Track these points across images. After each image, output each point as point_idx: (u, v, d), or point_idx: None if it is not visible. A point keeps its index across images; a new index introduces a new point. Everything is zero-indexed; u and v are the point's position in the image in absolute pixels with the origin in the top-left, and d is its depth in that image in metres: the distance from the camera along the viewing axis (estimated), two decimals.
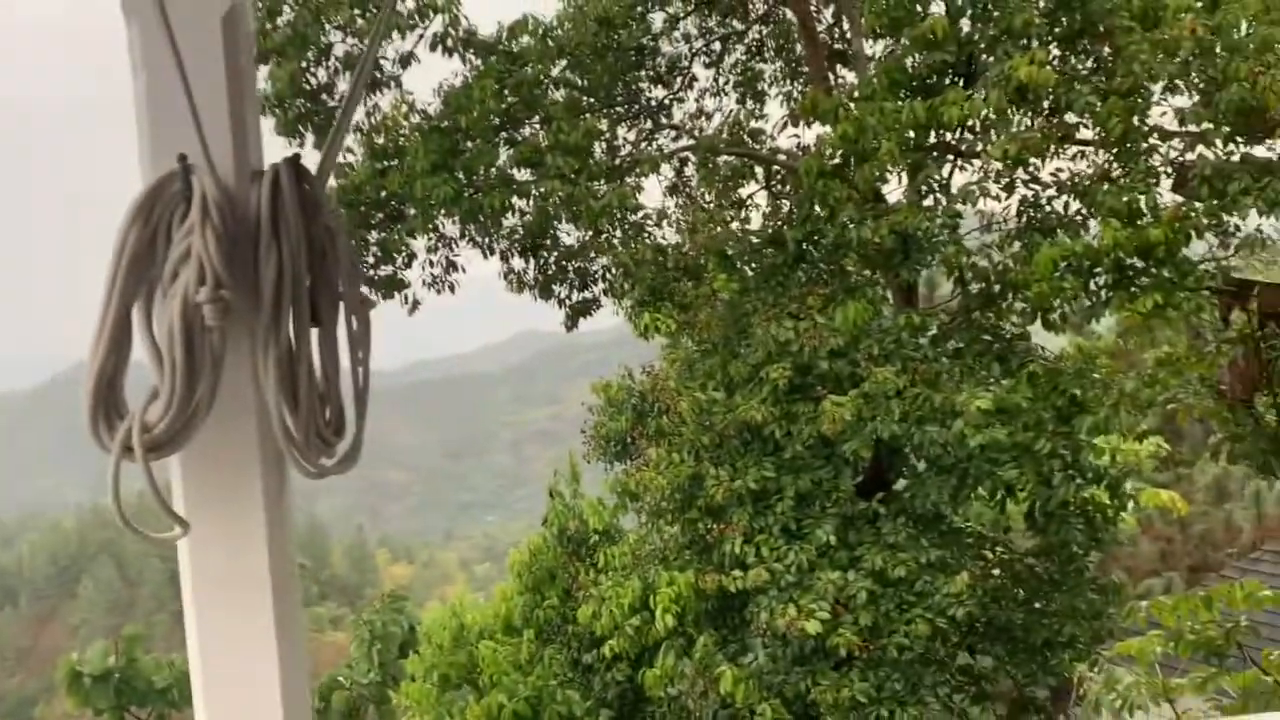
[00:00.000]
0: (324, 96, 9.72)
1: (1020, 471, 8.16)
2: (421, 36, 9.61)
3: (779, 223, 10.07)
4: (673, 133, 12.38)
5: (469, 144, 9.82)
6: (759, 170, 11.86)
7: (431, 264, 11.13)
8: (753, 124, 12.36)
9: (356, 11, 8.93)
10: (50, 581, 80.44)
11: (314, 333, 1.73)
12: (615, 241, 11.19)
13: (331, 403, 1.74)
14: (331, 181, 10.15)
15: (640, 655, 9.35)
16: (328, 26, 9.12)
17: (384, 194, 10.18)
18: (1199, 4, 7.76)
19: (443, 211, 9.99)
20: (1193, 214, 7.54)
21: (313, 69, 9.49)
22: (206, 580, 1.65)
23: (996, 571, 10.08)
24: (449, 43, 9.53)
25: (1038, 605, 9.66)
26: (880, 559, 8.48)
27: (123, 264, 1.54)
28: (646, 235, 10.93)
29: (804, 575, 8.46)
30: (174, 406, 1.54)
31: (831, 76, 11.00)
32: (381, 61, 9.65)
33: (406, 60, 9.72)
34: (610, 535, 10.37)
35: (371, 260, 10.71)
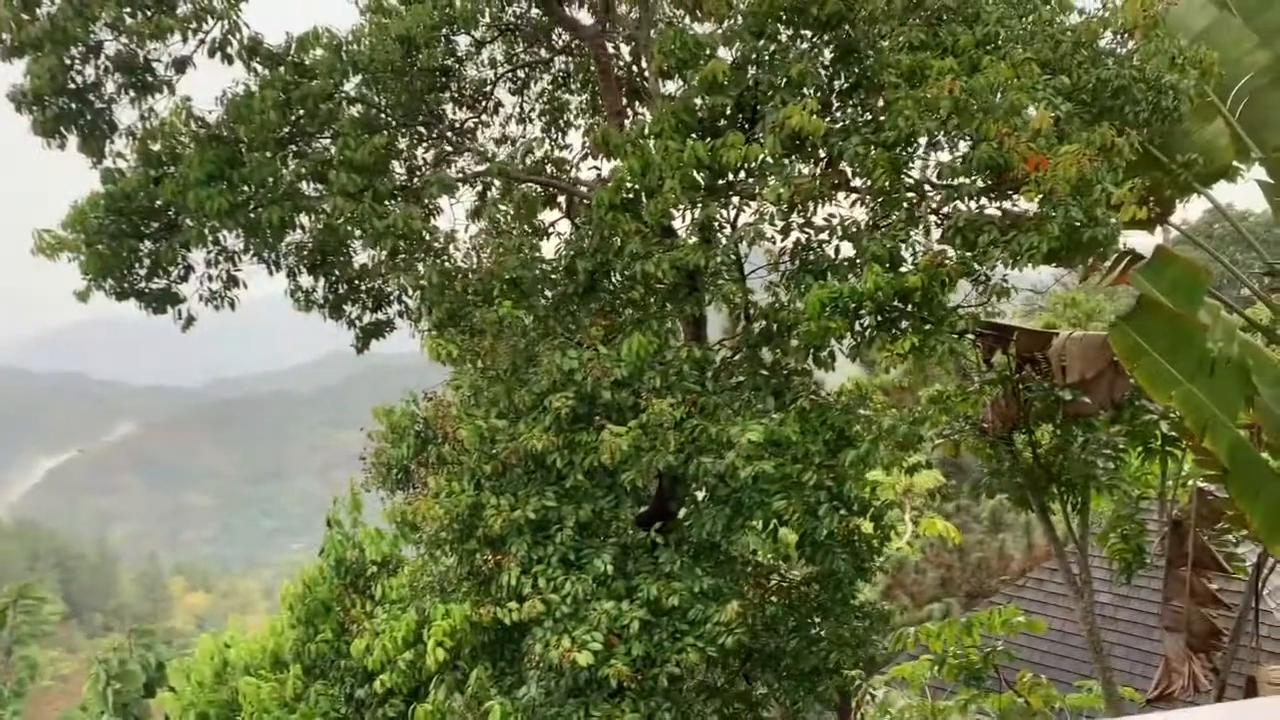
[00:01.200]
0: (90, 96, 9.14)
1: (788, 502, 8.44)
2: (202, 41, 9.18)
3: (573, 253, 10.13)
4: (476, 156, 12.29)
5: (251, 155, 9.43)
6: (561, 199, 11.92)
7: (210, 278, 10.61)
8: (556, 153, 12.44)
9: (126, 10, 8.43)
10: None
11: None
12: (411, 263, 10.98)
13: None
14: (98, 186, 9.56)
15: (414, 690, 9.12)
16: (95, 25, 8.57)
17: (158, 203, 9.64)
18: (960, 67, 8.32)
19: (220, 224, 9.55)
20: (947, 262, 8.04)
21: (78, 66, 8.91)
22: None
23: (775, 599, 10.41)
24: (229, 50, 9.15)
25: (808, 633, 10.01)
26: (655, 588, 8.58)
27: None
28: (441, 258, 10.77)
29: (580, 606, 8.45)
30: None
31: (630, 112, 11.19)
32: (155, 64, 9.16)
33: (182, 65, 9.26)
34: (388, 566, 10.09)
35: (143, 272, 10.11)
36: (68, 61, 8.86)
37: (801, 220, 8.73)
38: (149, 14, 8.45)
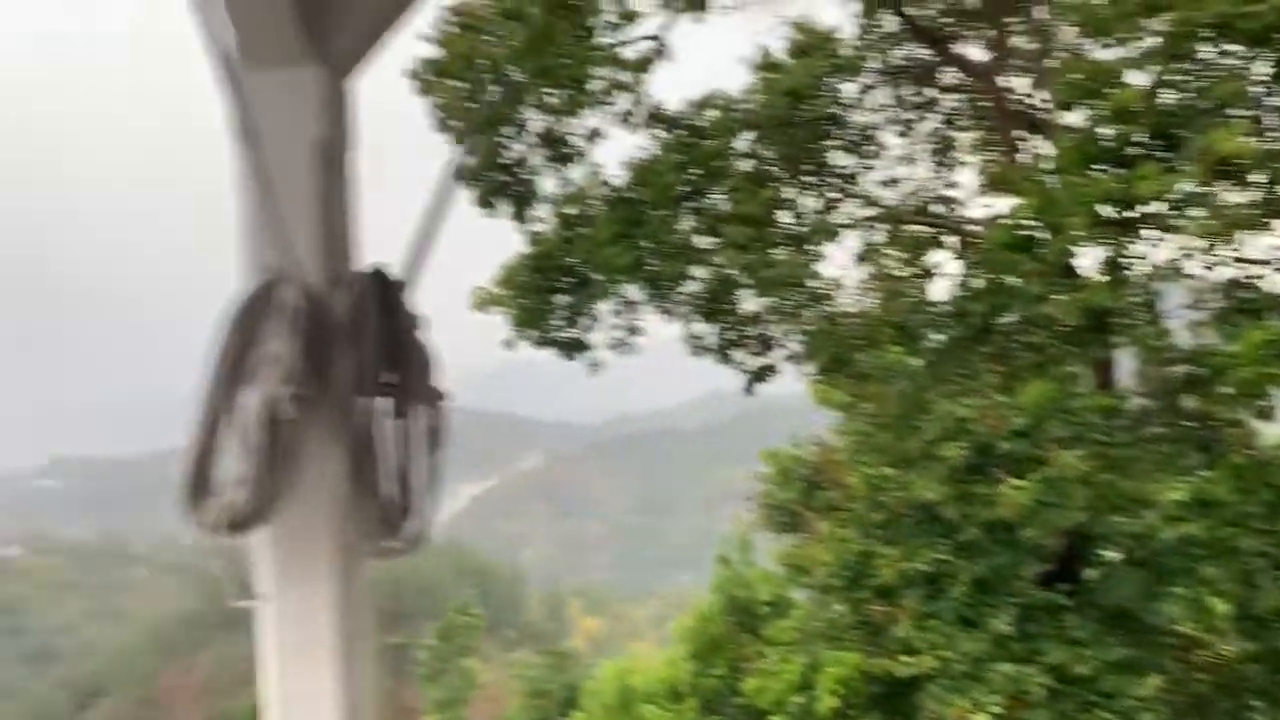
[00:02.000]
0: (518, 169, 10.29)
1: (1220, 569, 7.52)
2: (610, 114, 10.03)
3: (964, 295, 9.79)
4: (860, 200, 12.31)
5: (652, 214, 10.11)
6: (950, 240, 11.61)
7: (615, 327, 11.46)
8: (944, 191, 12.14)
9: (550, 92, 9.44)
10: None
11: (394, 424, 1.90)
12: (795, 309, 11.19)
13: (403, 488, 1.91)
14: (525, 247, 10.71)
15: None
16: (523, 106, 9.68)
17: (570, 261, 10.61)
18: None
19: (624, 278, 10.31)
20: None
21: (508, 144, 10.08)
22: (282, 644, 1.82)
23: (1203, 677, 9.28)
24: (635, 119, 9.90)
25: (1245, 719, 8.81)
26: (1062, 654, 7.98)
27: (220, 361, 1.75)
28: (826, 304, 10.87)
29: (977, 666, 8.07)
30: (256, 489, 1.73)
31: (1025, 146, 10.67)
32: (571, 137, 10.13)
33: (595, 136, 10.16)
34: (779, 608, 10.22)
35: (558, 323, 11.14)
36: (500, 140, 10.05)
37: (1232, 253, 7.81)
38: (569, 93, 9.37)
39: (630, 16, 9.61)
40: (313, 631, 1.77)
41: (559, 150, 10.18)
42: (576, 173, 10.63)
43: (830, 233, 10.35)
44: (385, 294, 1.85)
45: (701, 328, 11.66)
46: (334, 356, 1.76)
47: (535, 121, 10.10)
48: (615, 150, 10.78)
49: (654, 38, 9.62)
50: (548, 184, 10.70)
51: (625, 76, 9.55)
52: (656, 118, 10.07)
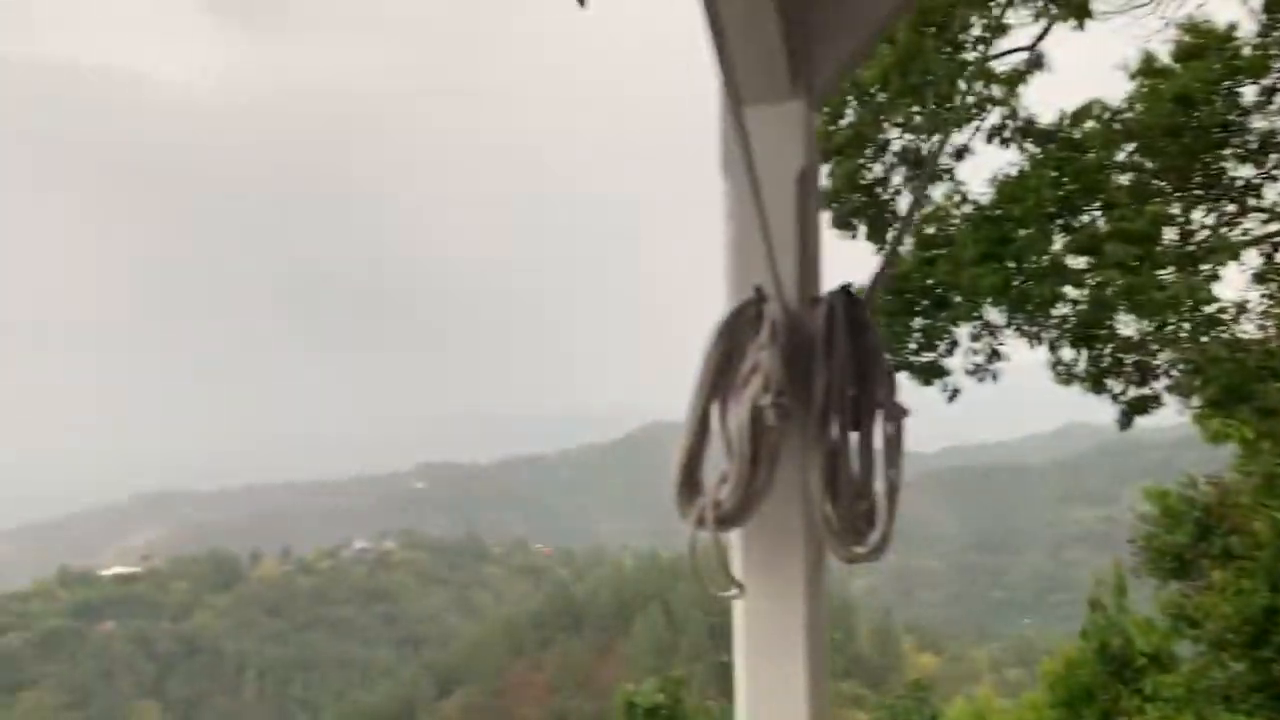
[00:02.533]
0: (877, 190, 10.23)
1: None
2: (978, 129, 9.73)
3: None
4: (1262, 215, 11.05)
5: (1020, 232, 9.68)
6: None
7: (974, 352, 11.05)
8: None
9: (915, 110, 9.32)
10: (610, 617, 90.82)
11: (854, 436, 2.00)
12: (1183, 335, 10.24)
13: (866, 497, 1.99)
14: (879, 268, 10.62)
15: None
16: (885, 125, 9.63)
17: (930, 282, 10.38)
18: None
19: (988, 300, 9.93)
20: None
21: (869, 165, 10.05)
22: (753, 637, 1.95)
23: None
24: (1005, 134, 9.53)
25: None
26: None
27: (707, 372, 1.92)
28: (1222, 330, 9.85)
29: None
30: (739, 489, 1.88)
31: None
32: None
33: (961, 153, 9.89)
34: (1160, 661, 9.34)
35: (914, 347, 10.92)
36: (861, 161, 10.05)
37: None
38: (934, 111, 9.21)
39: (1001, 29, 9.28)
40: (785, 627, 1.88)
41: (922, 169, 10.01)
42: (937, 192, 10.40)
43: (1233, 251, 9.38)
44: (852, 312, 1.93)
45: (1071, 354, 10.97)
46: (810, 370, 1.88)
47: (897, 141, 10.01)
48: (976, 168, 10.44)
49: (1028, 49, 9.22)
50: (905, 204, 10.55)
51: (996, 91, 9.23)
52: (1028, 132, 9.64)
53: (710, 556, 2.01)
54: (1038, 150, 9.74)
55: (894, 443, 1.99)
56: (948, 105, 9.35)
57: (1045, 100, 9.64)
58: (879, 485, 1.97)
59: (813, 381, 1.89)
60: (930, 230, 10.47)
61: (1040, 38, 9.29)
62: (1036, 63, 9.16)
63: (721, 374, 1.90)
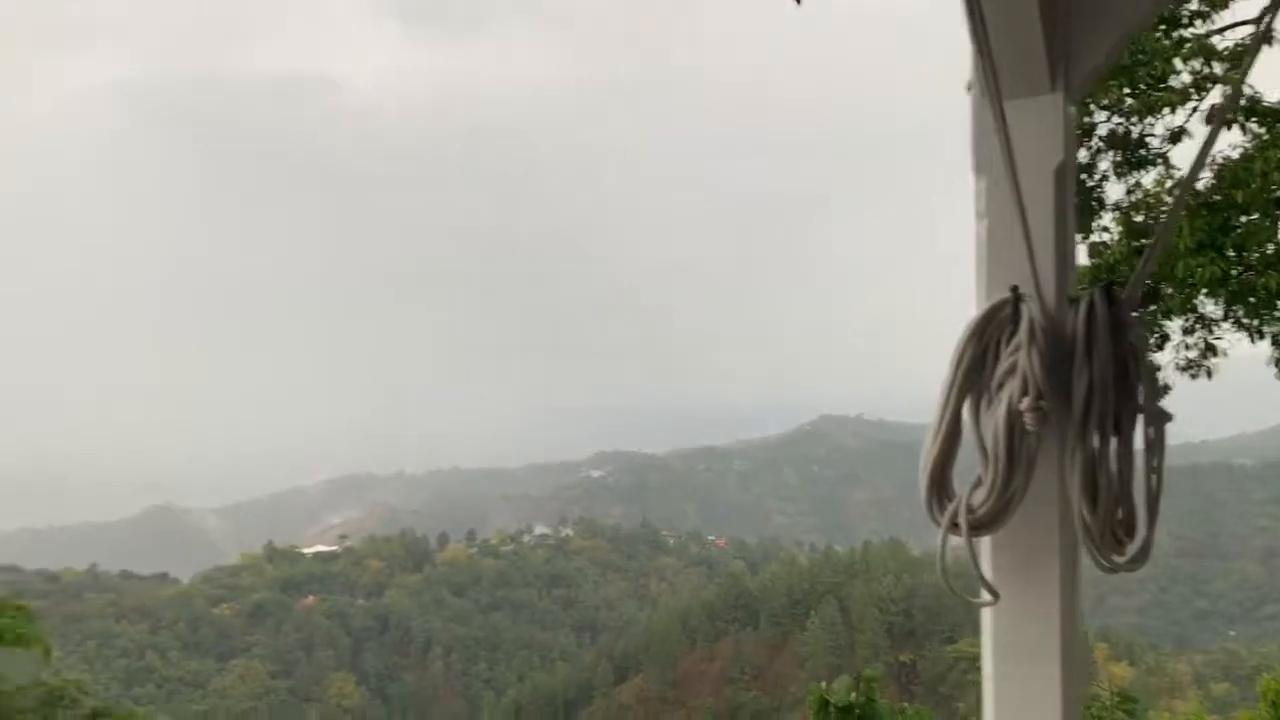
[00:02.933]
0: (1082, 176, 9.73)
1: None
2: (1195, 109, 9.11)
3: None
4: None
5: (1242, 219, 9.01)
6: None
7: (1187, 346, 10.38)
8: None
9: (1126, 90, 8.82)
10: (784, 611, 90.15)
11: (1113, 440, 1.93)
12: None
13: (1125, 504, 1.92)
14: (1084, 259, 10.12)
15: None
16: (1093, 107, 9.14)
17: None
18: None
19: (1204, 292, 9.30)
20: None
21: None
22: (1006, 644, 1.92)
23: None
24: (1228, 115, 8.88)
25: None
26: None
27: (959, 373, 1.89)
28: None
29: None
30: (994, 494, 1.85)
31: None
32: (1148, 139, 9.36)
33: (1177, 136, 9.29)
34: None
35: None
36: None
37: None
38: (1146, 92, 8.70)
39: (1223, 2, 8.66)
40: (1041, 635, 1.84)
41: (1133, 154, 9.46)
42: (1148, 178, 9.81)
43: None
44: (1113, 311, 1.86)
45: None
46: (1069, 373, 1.82)
47: (1104, 125, 9.49)
48: (1186, 152, 9.77)
49: (1255, 21, 8.56)
50: (1113, 191, 10.00)
51: (1217, 68, 8.62)
52: (1253, 111, 8.96)
53: (962, 561, 1.98)
54: (1263, 131, 9.03)
55: (1155, 448, 1.92)
56: (1161, 85, 8.79)
57: (1274, 76, 8.93)
58: (1138, 492, 1.90)
59: (1072, 384, 1.84)
60: (1139, 218, 9.89)
61: (1272, 9, 8.60)
62: (1265, 37, 8.49)
63: (974, 375, 1.87)
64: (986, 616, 1.92)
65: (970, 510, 1.83)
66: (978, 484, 1.84)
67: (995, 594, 1.86)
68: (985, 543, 1.92)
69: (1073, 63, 1.83)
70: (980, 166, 1.89)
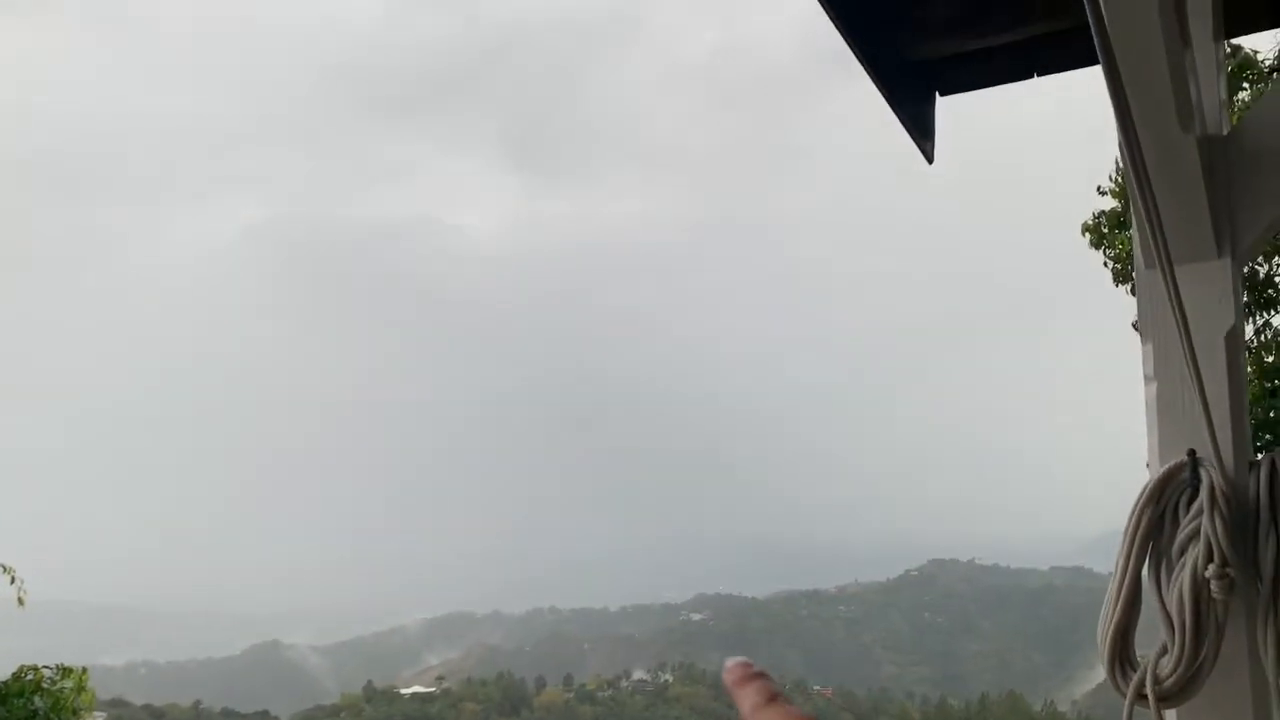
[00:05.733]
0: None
1: None
2: None
3: None
4: None
5: None
6: None
7: None
8: None
9: None
10: None
11: None
12: None
13: None
14: None
15: None
16: None
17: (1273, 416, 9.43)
18: None
19: None
20: None
21: None
22: None
23: None
24: None
25: None
26: None
27: (1135, 538, 1.87)
28: None
29: None
30: (1182, 664, 1.80)
31: None
32: (1276, 279, 9.14)
33: None
34: None
35: None
36: None
37: None
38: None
39: None
40: None
41: (1262, 294, 9.24)
42: (1278, 319, 9.53)
43: None
44: None
45: None
46: (1254, 538, 1.79)
47: None
48: None
49: None
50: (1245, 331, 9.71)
51: None
52: None
53: None
54: None
55: None
56: None
57: None
58: None
59: (1258, 550, 1.80)
60: (1270, 359, 9.58)
61: None
62: None
63: (1150, 540, 1.85)
64: None
65: (1157, 681, 1.78)
66: (1163, 652, 1.79)
67: None
68: (1174, 714, 1.86)
69: (1238, 229, 1.86)
70: (1147, 331, 1.91)
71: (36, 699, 7.62)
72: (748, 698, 0.79)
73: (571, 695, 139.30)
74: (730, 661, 0.82)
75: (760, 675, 0.80)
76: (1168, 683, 1.78)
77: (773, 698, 0.79)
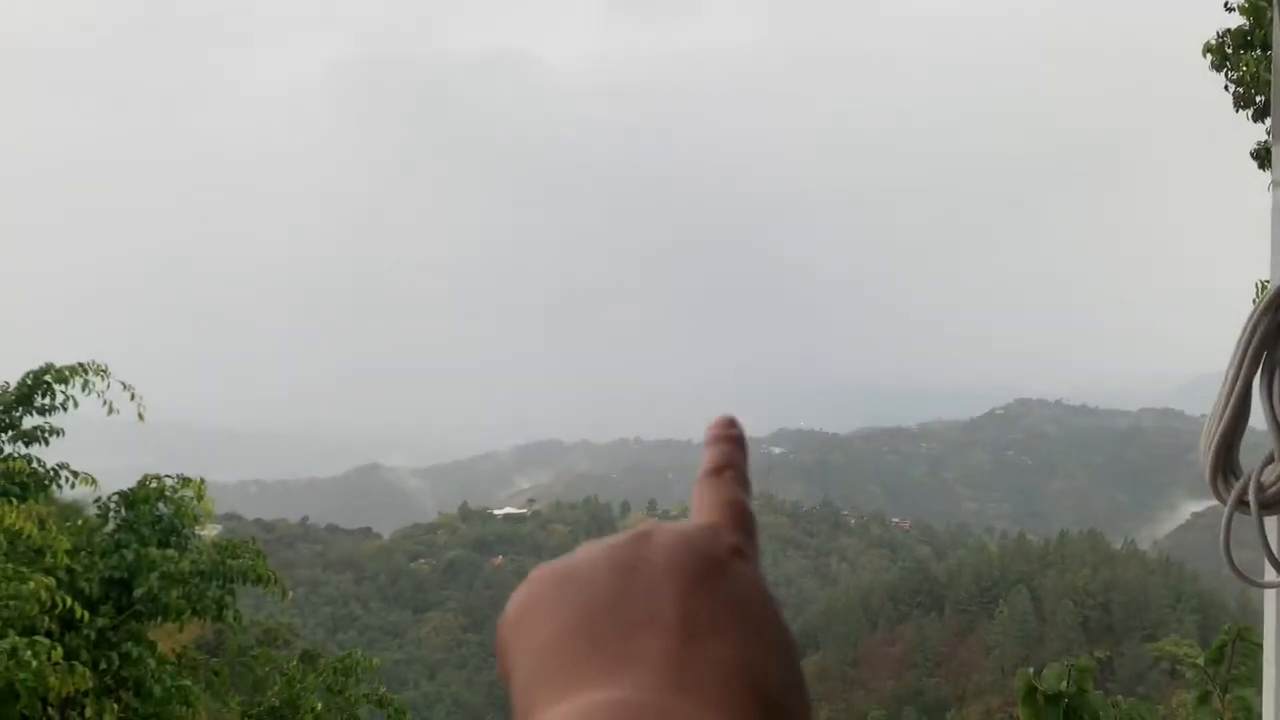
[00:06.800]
0: None
1: None
2: None
3: None
4: None
5: None
6: None
7: None
8: None
9: None
10: (971, 599, 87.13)
11: None
12: None
13: None
14: None
15: None
16: None
17: None
18: None
19: None
20: None
21: None
22: None
23: None
24: None
25: None
26: None
27: (1250, 345, 1.81)
28: None
29: None
30: None
31: None
32: None
33: None
34: None
35: None
36: None
37: None
38: None
39: None
40: None
41: None
42: None
43: None
44: None
45: None
46: None
47: None
48: None
49: None
50: None
51: None
52: None
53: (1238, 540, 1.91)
54: None
55: None
56: None
57: None
58: None
59: None
60: None
61: None
62: None
63: (1266, 347, 1.78)
64: (1270, 599, 1.85)
65: (1261, 488, 1.76)
66: (1269, 460, 1.76)
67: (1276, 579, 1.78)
68: (1270, 523, 1.84)
69: None
70: (1279, 134, 1.79)
71: (161, 505, 8.18)
72: (707, 459, 0.70)
73: (656, 520, 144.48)
74: (716, 417, 0.71)
75: (733, 440, 0.70)
76: (1272, 489, 1.76)
77: (720, 469, 0.69)
